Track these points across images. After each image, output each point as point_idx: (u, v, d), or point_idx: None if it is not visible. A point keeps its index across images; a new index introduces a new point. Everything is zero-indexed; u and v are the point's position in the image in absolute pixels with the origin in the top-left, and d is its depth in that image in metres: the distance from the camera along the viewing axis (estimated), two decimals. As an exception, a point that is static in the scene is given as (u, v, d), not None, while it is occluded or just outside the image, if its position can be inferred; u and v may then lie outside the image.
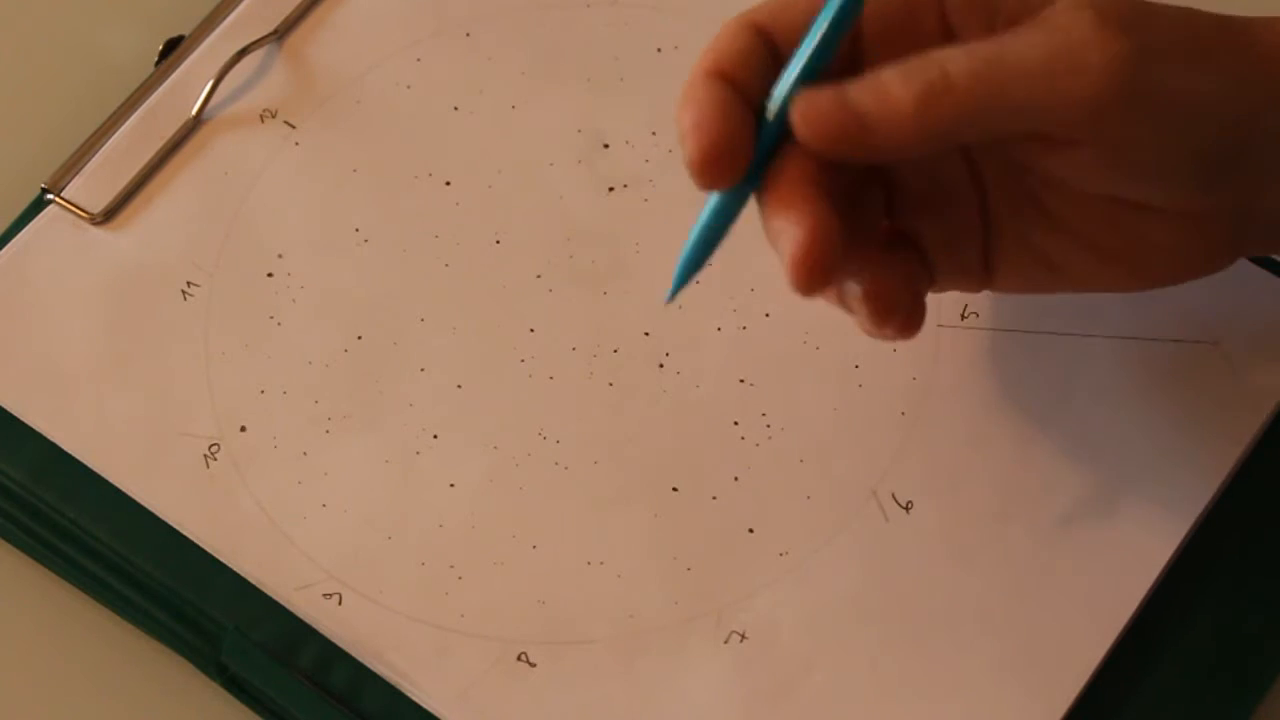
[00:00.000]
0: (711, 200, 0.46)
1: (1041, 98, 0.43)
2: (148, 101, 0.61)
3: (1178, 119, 0.44)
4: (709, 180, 0.45)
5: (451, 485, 0.54)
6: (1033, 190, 0.47)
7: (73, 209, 0.59)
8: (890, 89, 0.43)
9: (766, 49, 0.46)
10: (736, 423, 0.54)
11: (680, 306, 0.56)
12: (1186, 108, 0.44)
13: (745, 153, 0.45)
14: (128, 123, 0.60)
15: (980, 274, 0.49)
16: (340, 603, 0.52)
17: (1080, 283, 0.49)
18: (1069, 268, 0.48)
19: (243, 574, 0.53)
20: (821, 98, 0.44)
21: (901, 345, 0.55)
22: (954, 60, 0.43)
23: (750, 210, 0.47)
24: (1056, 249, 0.48)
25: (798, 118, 0.44)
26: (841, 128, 0.43)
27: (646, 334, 0.56)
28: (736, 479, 0.54)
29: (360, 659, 0.52)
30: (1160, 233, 0.46)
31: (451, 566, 0.53)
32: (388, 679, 0.51)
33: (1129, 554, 0.51)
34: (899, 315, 0.47)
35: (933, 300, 0.53)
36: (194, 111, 0.60)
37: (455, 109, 0.60)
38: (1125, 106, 0.43)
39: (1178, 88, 0.44)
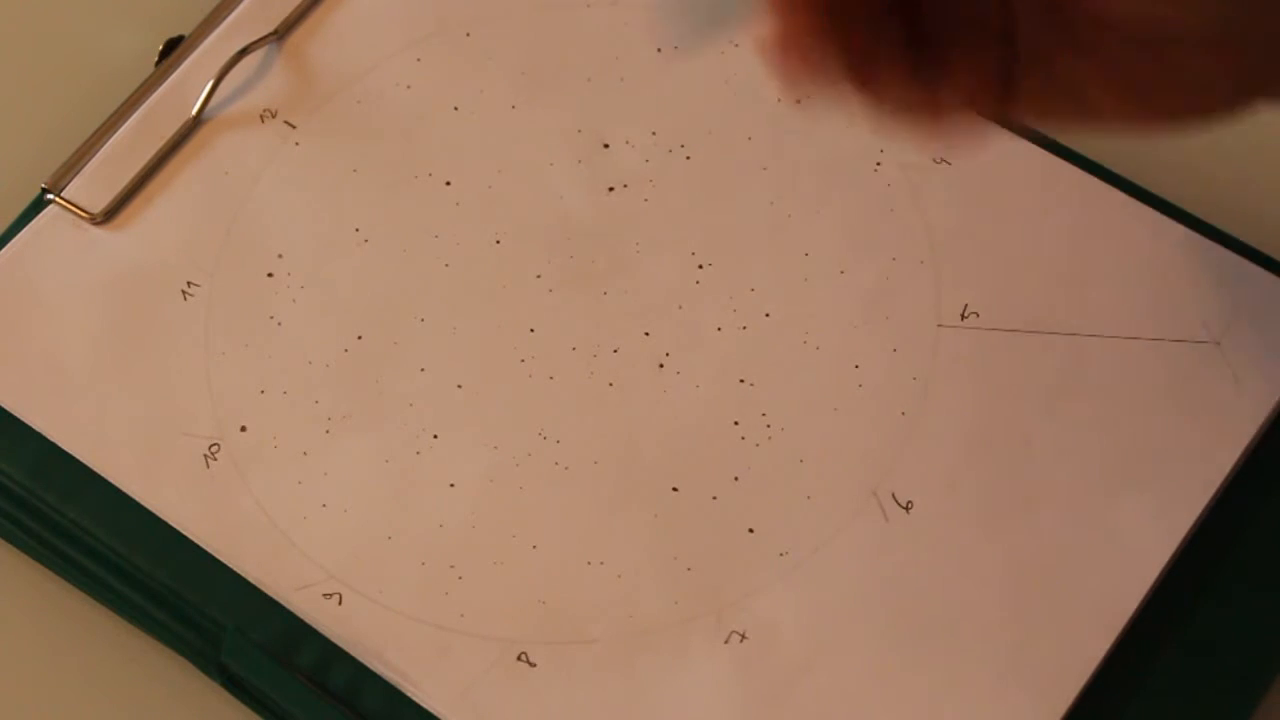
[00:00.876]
0: None
1: None
2: (148, 101, 0.61)
3: None
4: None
5: (451, 485, 0.54)
6: (1063, 19, 0.45)
7: (73, 209, 0.59)
8: None
9: None
10: (736, 423, 0.54)
11: (680, 306, 0.56)
12: None
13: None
14: (128, 123, 0.60)
15: (997, 90, 0.47)
16: (340, 602, 0.52)
17: (1103, 117, 0.47)
18: (1093, 99, 0.46)
19: (243, 574, 0.53)
20: None
21: (901, 345, 0.55)
22: None
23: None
24: (1082, 77, 0.46)
25: None
26: None
27: (646, 334, 0.56)
28: (736, 479, 0.54)
29: (360, 659, 0.52)
30: (1188, 60, 0.44)
31: (451, 566, 0.53)
32: (387, 679, 0.51)
33: (1129, 554, 0.51)
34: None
35: (933, 300, 0.53)
36: (194, 111, 0.60)
37: (455, 109, 0.60)
38: None
39: None
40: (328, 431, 0.55)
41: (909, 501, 0.53)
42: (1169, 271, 0.55)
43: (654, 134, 0.59)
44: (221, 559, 0.53)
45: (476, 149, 0.60)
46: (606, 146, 0.59)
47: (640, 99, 0.60)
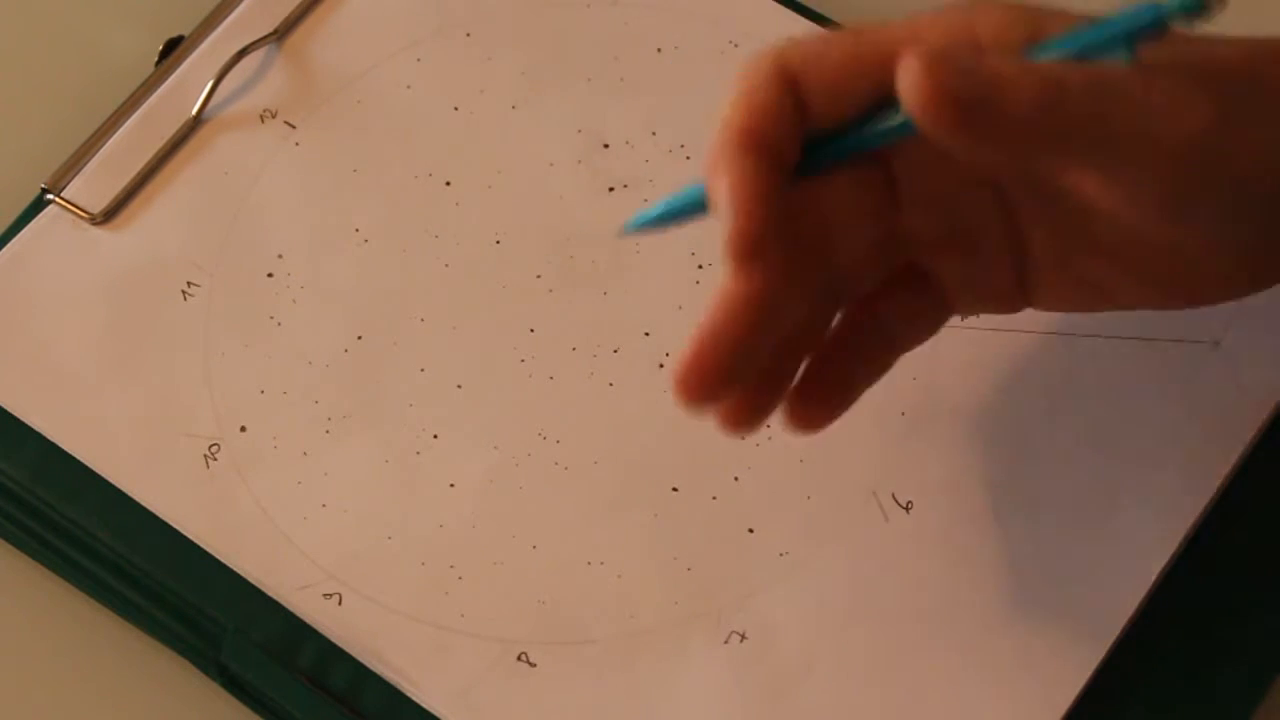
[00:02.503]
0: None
1: (1142, 125, 0.42)
2: (148, 101, 0.61)
3: (1250, 168, 0.43)
4: (746, 267, 0.43)
5: (451, 485, 0.54)
6: (1076, 221, 0.46)
7: (73, 209, 0.59)
8: (1007, 74, 0.41)
9: (796, 105, 0.44)
10: (736, 423, 0.54)
11: (680, 307, 0.56)
12: (1257, 159, 0.43)
13: (779, 242, 0.43)
14: (128, 123, 0.60)
15: (1014, 298, 0.48)
16: (340, 603, 0.52)
17: (1126, 304, 0.48)
18: (1114, 290, 0.47)
19: (243, 574, 0.53)
20: (943, 60, 0.41)
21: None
22: (1067, 71, 0.42)
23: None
24: (1101, 274, 0.47)
25: (920, 72, 0.40)
26: (969, 88, 0.40)
27: (646, 334, 0.56)
28: (736, 479, 0.54)
29: (360, 659, 0.52)
30: (1210, 261, 0.46)
31: (451, 566, 0.53)
32: (388, 679, 0.51)
33: (1129, 554, 0.51)
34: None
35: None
36: (194, 111, 0.60)
37: (455, 109, 0.60)
38: (1216, 141, 0.42)
39: (1256, 136, 0.43)
40: (328, 431, 0.55)
41: (909, 501, 0.53)
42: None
43: (654, 134, 0.59)
44: (221, 559, 0.53)
45: (476, 149, 0.60)
46: (606, 146, 0.59)
47: (640, 99, 0.60)
